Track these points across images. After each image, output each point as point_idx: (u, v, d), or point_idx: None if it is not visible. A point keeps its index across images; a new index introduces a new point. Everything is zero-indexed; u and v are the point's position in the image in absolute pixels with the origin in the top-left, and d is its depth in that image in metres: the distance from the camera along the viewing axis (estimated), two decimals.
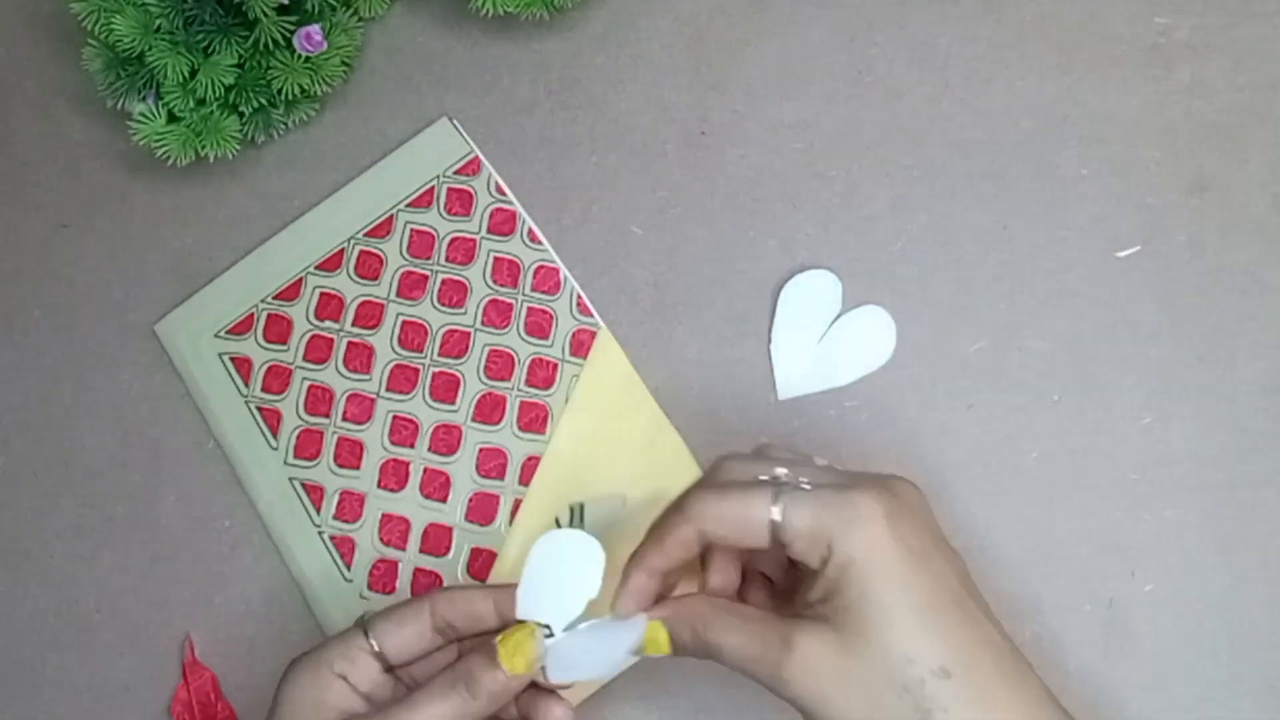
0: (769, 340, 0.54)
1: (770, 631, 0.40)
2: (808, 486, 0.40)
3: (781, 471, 0.41)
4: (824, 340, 0.53)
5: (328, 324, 0.55)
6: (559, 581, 0.45)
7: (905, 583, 0.38)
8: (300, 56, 0.54)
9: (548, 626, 0.44)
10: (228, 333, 0.55)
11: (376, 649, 0.44)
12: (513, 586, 0.44)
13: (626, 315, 0.54)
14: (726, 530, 0.41)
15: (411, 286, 0.55)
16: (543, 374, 0.54)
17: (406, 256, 0.56)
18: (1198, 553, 0.50)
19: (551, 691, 0.44)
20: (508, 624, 0.44)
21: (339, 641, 0.44)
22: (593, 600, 0.44)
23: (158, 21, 0.52)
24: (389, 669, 0.44)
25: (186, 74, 0.52)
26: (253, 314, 0.55)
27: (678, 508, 0.42)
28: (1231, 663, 0.49)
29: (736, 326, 0.54)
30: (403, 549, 0.52)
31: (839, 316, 0.54)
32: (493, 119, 0.57)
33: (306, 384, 0.54)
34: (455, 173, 0.56)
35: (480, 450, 0.53)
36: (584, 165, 0.56)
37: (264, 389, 0.54)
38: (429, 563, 0.52)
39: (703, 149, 0.56)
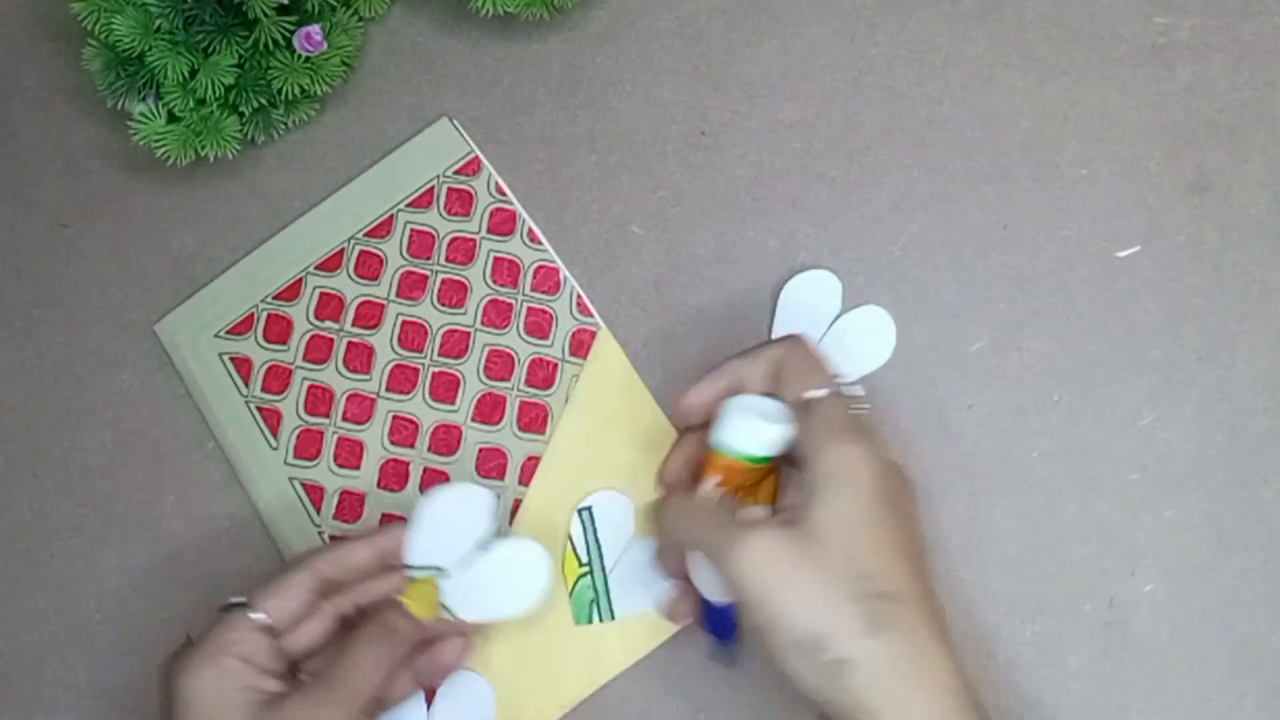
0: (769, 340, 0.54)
1: (726, 518, 0.42)
2: (860, 403, 0.44)
3: (849, 380, 0.46)
4: (824, 340, 0.53)
5: (328, 324, 0.55)
6: (449, 528, 0.48)
7: (873, 514, 0.40)
8: (300, 56, 0.54)
9: (438, 569, 0.47)
10: (228, 333, 0.55)
11: (267, 623, 0.44)
12: (389, 528, 0.48)
13: (626, 315, 0.55)
14: (758, 375, 0.46)
15: (411, 286, 0.55)
16: (543, 374, 0.54)
17: (406, 256, 0.56)
18: (1198, 553, 0.50)
19: (454, 631, 0.48)
20: (389, 567, 0.47)
21: (226, 627, 0.44)
22: (480, 539, 0.48)
23: (158, 21, 0.52)
24: (276, 640, 0.45)
25: (186, 74, 0.52)
26: (253, 314, 0.55)
27: (772, 343, 0.47)
28: (1231, 663, 0.49)
29: (736, 326, 0.54)
30: None
31: (839, 316, 0.54)
32: (493, 119, 0.57)
33: (306, 384, 0.54)
34: (455, 173, 0.56)
35: (480, 450, 0.53)
36: (584, 165, 0.56)
37: (264, 389, 0.54)
38: None
39: (703, 149, 0.56)
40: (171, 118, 0.53)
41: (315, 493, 0.53)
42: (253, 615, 0.44)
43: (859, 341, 0.53)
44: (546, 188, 0.56)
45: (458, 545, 0.48)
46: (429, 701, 0.50)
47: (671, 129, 0.56)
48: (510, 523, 0.53)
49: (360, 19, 0.56)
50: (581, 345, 0.54)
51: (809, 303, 0.54)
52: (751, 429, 0.44)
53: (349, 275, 0.56)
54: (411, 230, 0.56)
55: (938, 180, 0.55)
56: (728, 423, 0.45)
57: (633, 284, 0.55)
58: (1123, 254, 0.54)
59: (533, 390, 0.54)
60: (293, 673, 0.46)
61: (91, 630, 0.53)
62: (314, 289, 0.55)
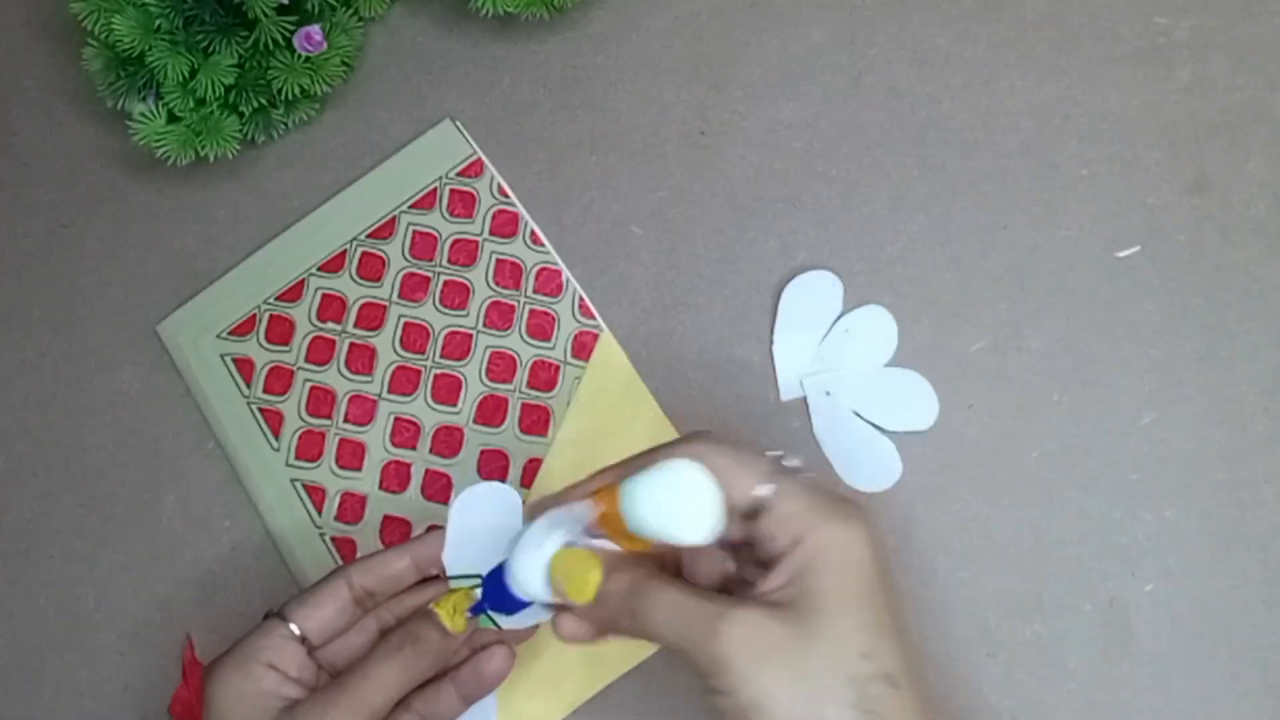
0: (770, 341, 0.54)
1: (708, 603, 0.37)
2: (806, 473, 0.40)
3: (780, 453, 0.40)
4: (826, 340, 0.53)
5: (330, 325, 0.55)
6: (482, 532, 0.46)
7: (875, 590, 0.37)
8: (300, 56, 0.54)
9: (478, 577, 0.46)
10: (230, 334, 0.55)
11: (298, 634, 0.44)
12: (426, 537, 0.46)
13: (626, 315, 0.55)
14: (717, 476, 0.38)
15: (414, 288, 0.55)
16: (545, 376, 0.54)
17: (409, 258, 0.55)
18: (1198, 553, 0.50)
19: (496, 641, 0.46)
20: (426, 577, 0.46)
21: (258, 634, 0.44)
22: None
23: (158, 21, 0.52)
24: (310, 652, 0.45)
25: (186, 74, 0.52)
26: (255, 315, 0.55)
27: (677, 442, 0.40)
28: (1231, 663, 0.49)
29: (737, 326, 0.54)
30: None
31: (840, 316, 0.54)
32: (493, 119, 0.57)
33: (308, 385, 0.54)
34: (458, 174, 0.56)
35: (482, 452, 0.53)
36: (584, 165, 0.56)
37: (266, 390, 0.54)
38: None
39: (703, 149, 0.56)
40: (171, 118, 0.53)
41: (317, 494, 0.53)
42: (290, 626, 0.44)
43: (860, 341, 0.53)
44: (546, 188, 0.56)
45: (494, 550, 0.45)
46: None
47: (671, 129, 0.56)
48: None
49: (360, 19, 0.56)
50: (583, 348, 0.54)
51: (810, 303, 0.54)
52: (690, 515, 0.37)
53: (351, 276, 0.55)
54: (414, 232, 0.56)
55: (938, 180, 0.55)
56: (657, 505, 0.37)
57: (633, 284, 0.55)
58: (1123, 254, 0.54)
59: (535, 392, 0.54)
60: None
61: (91, 630, 0.53)
62: (316, 290, 0.55)
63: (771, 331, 0.54)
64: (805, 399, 0.53)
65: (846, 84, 0.56)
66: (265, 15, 0.52)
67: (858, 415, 0.52)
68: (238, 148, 0.54)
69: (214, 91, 0.53)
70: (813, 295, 0.54)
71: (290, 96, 0.54)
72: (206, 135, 0.53)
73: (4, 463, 0.55)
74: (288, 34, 0.53)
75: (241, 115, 0.54)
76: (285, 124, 0.56)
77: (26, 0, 0.60)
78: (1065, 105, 0.55)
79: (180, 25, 0.52)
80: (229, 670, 0.43)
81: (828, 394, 0.53)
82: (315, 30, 0.53)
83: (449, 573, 0.46)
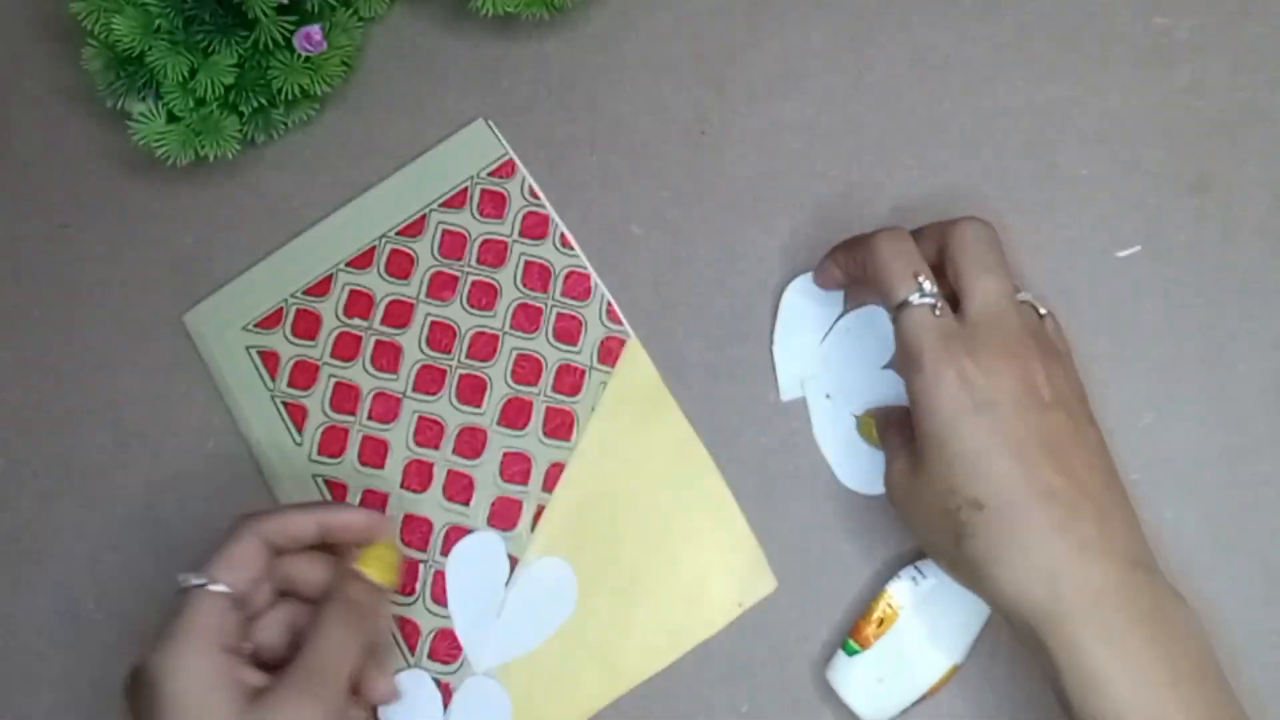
0: (770, 341, 0.54)
1: (891, 441, 0.47)
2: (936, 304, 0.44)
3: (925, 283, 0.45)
4: (826, 341, 0.53)
5: (356, 321, 0.55)
6: (478, 579, 0.51)
7: (957, 429, 0.42)
8: (300, 56, 0.54)
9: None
10: (256, 326, 0.55)
11: (235, 594, 0.43)
12: (335, 506, 0.50)
13: (627, 315, 0.54)
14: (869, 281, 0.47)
15: (441, 287, 0.55)
16: (570, 380, 0.54)
17: (438, 257, 0.55)
18: (1198, 553, 0.50)
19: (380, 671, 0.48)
20: (326, 548, 0.47)
21: (199, 613, 0.42)
22: (505, 581, 0.52)
23: (158, 21, 0.52)
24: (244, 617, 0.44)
25: (186, 74, 0.52)
26: (282, 308, 0.55)
27: (862, 240, 0.47)
28: (1231, 662, 0.49)
29: (737, 327, 0.54)
30: (424, 550, 0.52)
31: (840, 317, 0.54)
32: (492, 119, 0.57)
33: (333, 381, 0.54)
34: (489, 174, 0.56)
35: (505, 454, 0.53)
36: (584, 165, 0.56)
37: (290, 384, 0.54)
38: None
39: (703, 149, 0.56)
40: (171, 118, 0.53)
41: (338, 490, 0.53)
42: (218, 588, 0.43)
43: (861, 342, 0.53)
44: (546, 188, 0.56)
45: (486, 592, 0.52)
46: (445, 706, 0.50)
47: (671, 129, 0.56)
48: (533, 528, 0.52)
49: (360, 19, 0.57)
50: (610, 353, 0.54)
51: (810, 303, 0.54)
52: None
53: (379, 273, 0.55)
54: (444, 230, 0.56)
55: (938, 180, 0.55)
56: None
57: (633, 284, 0.55)
58: (1123, 254, 0.54)
59: (559, 396, 0.54)
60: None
61: (91, 630, 0.53)
62: (344, 285, 0.55)
63: (771, 331, 0.54)
64: (805, 400, 0.53)
65: (846, 84, 0.56)
66: (265, 15, 0.52)
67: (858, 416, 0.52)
68: (238, 148, 0.54)
69: (214, 91, 0.53)
70: (813, 295, 0.54)
71: (290, 96, 0.54)
72: (206, 135, 0.53)
73: (4, 463, 0.55)
74: (288, 34, 0.53)
75: (241, 115, 0.54)
76: (285, 124, 0.56)
77: (26, 0, 0.60)
78: (1065, 105, 0.55)
79: (180, 25, 0.52)
80: (189, 657, 0.41)
81: (828, 395, 0.53)
82: (315, 30, 0.53)
83: (459, 631, 0.51)
